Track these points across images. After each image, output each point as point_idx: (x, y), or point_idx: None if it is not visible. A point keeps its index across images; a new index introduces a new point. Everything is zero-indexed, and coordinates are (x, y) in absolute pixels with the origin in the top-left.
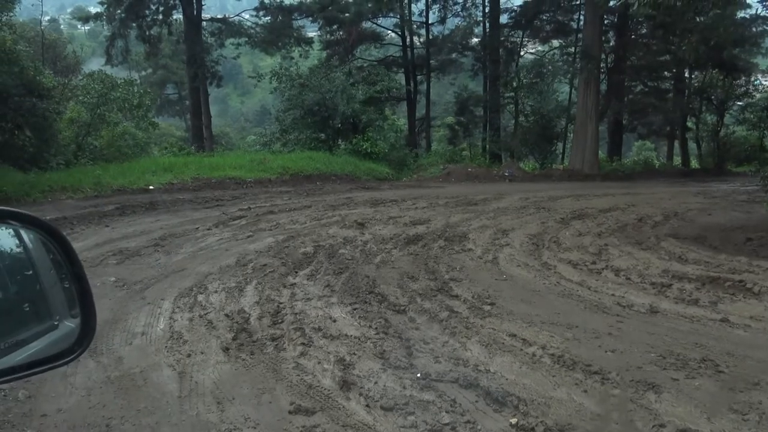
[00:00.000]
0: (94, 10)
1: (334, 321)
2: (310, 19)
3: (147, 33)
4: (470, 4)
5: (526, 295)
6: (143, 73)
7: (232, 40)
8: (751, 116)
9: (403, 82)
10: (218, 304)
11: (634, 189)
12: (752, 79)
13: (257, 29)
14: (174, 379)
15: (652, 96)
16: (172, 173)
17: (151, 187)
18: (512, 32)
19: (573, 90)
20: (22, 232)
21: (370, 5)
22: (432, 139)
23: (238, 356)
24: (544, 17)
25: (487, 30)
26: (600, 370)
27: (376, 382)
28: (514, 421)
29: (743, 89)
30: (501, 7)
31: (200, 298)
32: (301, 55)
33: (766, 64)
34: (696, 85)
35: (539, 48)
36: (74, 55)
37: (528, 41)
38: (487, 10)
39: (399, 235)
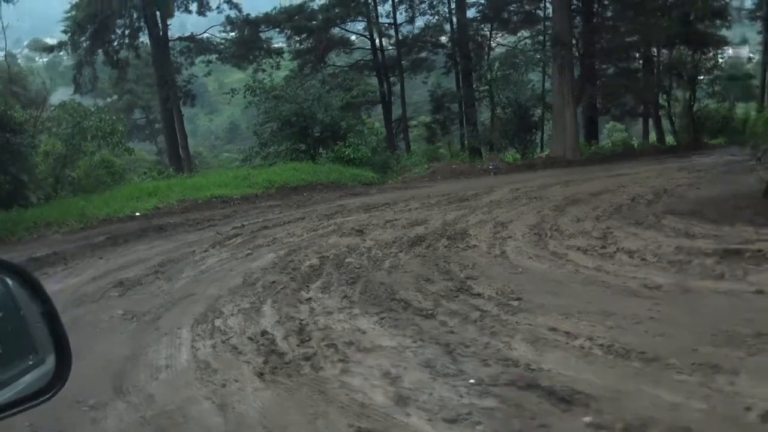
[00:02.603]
0: (50, 41)
1: (364, 333)
2: (277, 30)
3: (114, 58)
4: (437, 1)
5: (549, 287)
6: (108, 100)
7: (202, 57)
8: (719, 88)
9: (376, 85)
10: (238, 328)
11: (618, 170)
12: (719, 52)
13: (226, 44)
14: (215, 412)
15: (624, 77)
16: (156, 198)
17: (137, 214)
18: (481, 26)
19: (546, 78)
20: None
21: (337, 11)
22: (409, 140)
23: (275, 380)
24: (512, 8)
25: (455, 26)
26: (657, 356)
27: (430, 394)
28: (588, 419)
29: (712, 63)
30: (468, 1)
31: (218, 323)
32: (272, 67)
33: (729, 36)
34: (664, 62)
35: (510, 39)
36: (44, 86)
37: (497, 34)
38: (453, 6)
39: (401, 238)
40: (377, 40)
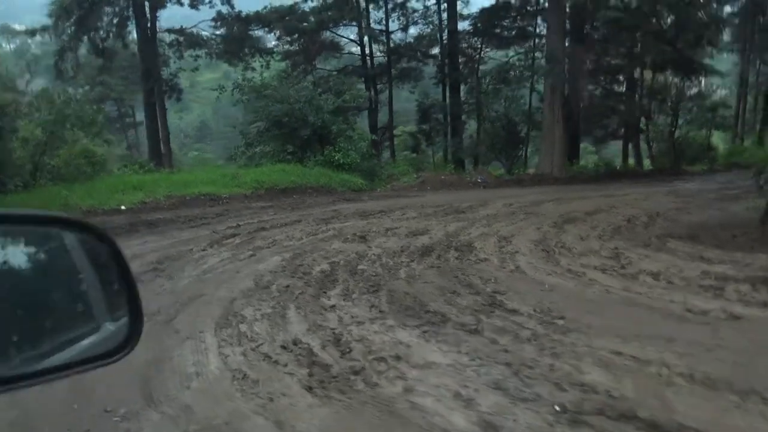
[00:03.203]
0: (18, 27)
1: (408, 347)
2: (267, 29)
3: (100, 46)
4: (430, 12)
5: (586, 306)
6: (80, 90)
7: (190, 52)
8: (698, 115)
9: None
10: (266, 335)
11: (605, 191)
12: (703, 79)
13: (217, 40)
14: (273, 430)
15: (610, 99)
16: (142, 192)
17: (123, 207)
18: (473, 39)
19: (534, 94)
20: (65, 236)
21: (330, 14)
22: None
23: (328, 396)
24: (505, 23)
25: (444, 38)
26: (750, 389)
27: (515, 420)
28: None
29: (696, 90)
30: (461, 13)
31: (243, 328)
32: (262, 66)
33: (714, 64)
34: (648, 86)
35: (500, 54)
36: (27, 69)
37: (488, 48)
38: (444, 17)
39: (407, 247)
40: (367, 47)
